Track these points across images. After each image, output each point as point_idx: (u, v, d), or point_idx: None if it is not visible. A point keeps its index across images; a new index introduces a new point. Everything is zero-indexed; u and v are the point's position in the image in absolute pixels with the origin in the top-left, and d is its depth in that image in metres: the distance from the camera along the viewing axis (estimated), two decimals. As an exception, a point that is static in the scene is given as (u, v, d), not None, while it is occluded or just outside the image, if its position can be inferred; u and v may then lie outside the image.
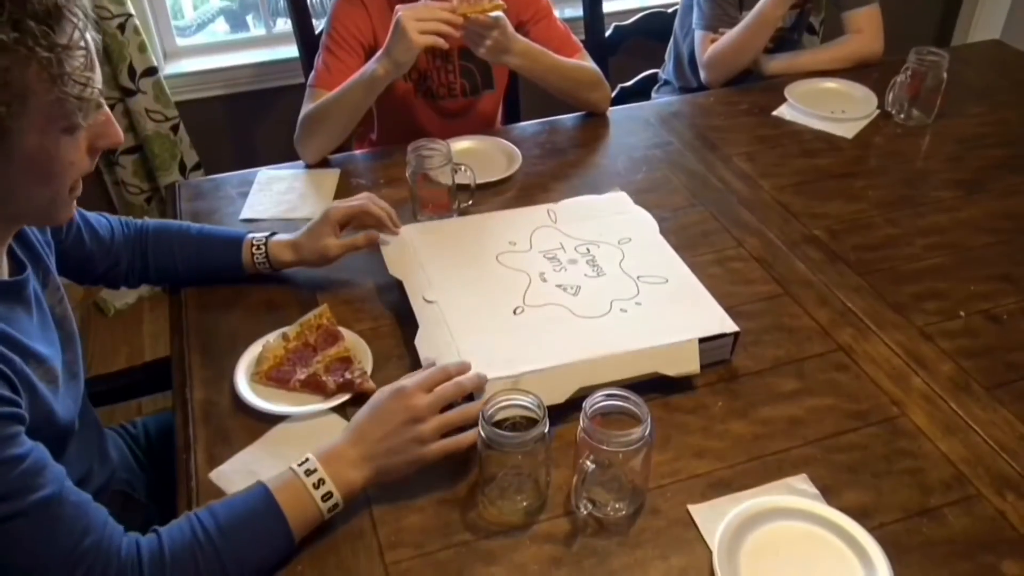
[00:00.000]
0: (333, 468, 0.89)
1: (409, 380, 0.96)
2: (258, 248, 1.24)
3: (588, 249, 1.26)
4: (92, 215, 1.18)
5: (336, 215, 1.23)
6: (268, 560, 0.87)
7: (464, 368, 0.99)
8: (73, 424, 0.96)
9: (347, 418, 1.03)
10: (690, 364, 1.08)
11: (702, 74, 1.95)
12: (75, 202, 0.89)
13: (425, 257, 1.24)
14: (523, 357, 1.04)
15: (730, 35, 1.88)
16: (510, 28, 1.49)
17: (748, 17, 1.84)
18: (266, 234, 1.25)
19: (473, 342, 1.07)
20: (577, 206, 1.38)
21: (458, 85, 1.73)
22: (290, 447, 1.00)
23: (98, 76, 0.80)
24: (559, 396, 1.02)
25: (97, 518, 0.81)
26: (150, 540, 0.82)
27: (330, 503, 0.88)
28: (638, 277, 1.20)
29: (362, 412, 0.95)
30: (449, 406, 0.96)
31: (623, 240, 1.28)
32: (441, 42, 1.42)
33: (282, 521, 0.85)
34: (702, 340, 1.08)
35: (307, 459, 0.89)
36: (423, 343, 1.09)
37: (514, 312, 1.14)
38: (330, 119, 1.54)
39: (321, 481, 0.88)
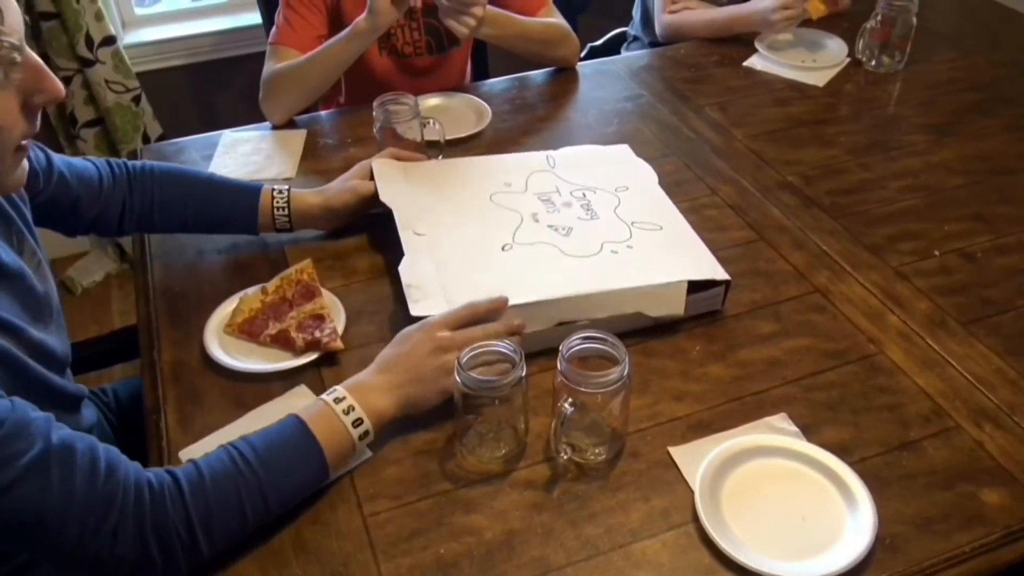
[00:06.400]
0: (361, 396, 0.89)
1: (435, 317, 0.96)
2: (280, 194, 1.18)
3: (584, 194, 1.24)
4: (74, 159, 1.12)
5: (365, 164, 1.24)
6: (304, 488, 0.87)
7: (495, 307, 0.98)
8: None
9: (321, 387, 1.01)
10: (675, 307, 1.07)
11: (657, 30, 1.93)
12: (26, 165, 0.81)
13: (419, 188, 1.22)
14: (506, 292, 1.01)
15: (701, 19, 1.85)
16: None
17: (726, 15, 1.82)
18: (286, 186, 1.20)
19: (454, 276, 1.07)
20: (577, 154, 1.36)
21: (423, 43, 1.70)
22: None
23: (10, 24, 0.71)
24: (539, 326, 1.02)
25: (110, 456, 0.77)
26: (187, 469, 0.80)
27: (361, 429, 0.88)
28: (632, 223, 1.18)
29: (389, 346, 0.95)
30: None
31: (620, 188, 1.26)
32: None
33: (317, 449, 0.85)
34: (693, 291, 1.07)
35: (335, 389, 0.89)
36: (407, 271, 1.08)
37: (502, 248, 1.12)
38: (306, 77, 1.51)
39: (351, 408, 0.87)
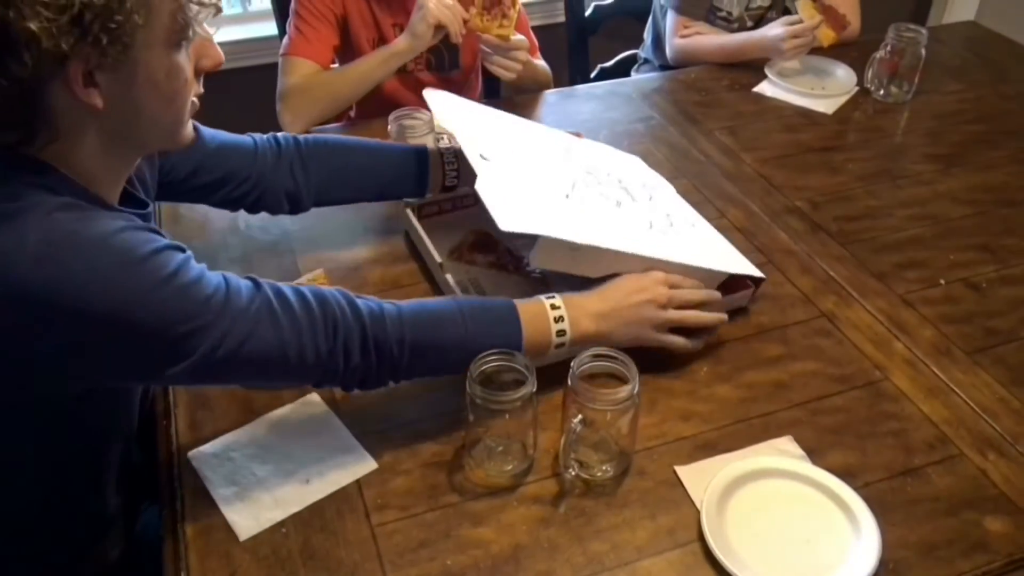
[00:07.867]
0: (574, 312, 0.98)
1: (659, 273, 1.04)
2: (447, 150, 1.25)
3: (619, 180, 1.24)
4: (224, 133, 1.15)
5: None
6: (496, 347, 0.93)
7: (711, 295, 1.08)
8: None
9: (332, 396, 1.02)
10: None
11: (668, 53, 1.96)
12: (191, 123, 0.88)
13: (474, 125, 1.21)
14: (582, 229, 1.03)
15: (712, 44, 1.88)
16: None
17: (737, 41, 1.85)
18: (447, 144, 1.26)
19: (537, 198, 1.07)
20: (599, 146, 1.38)
21: (423, 59, 1.72)
22: (275, 439, 0.97)
23: None
24: (599, 272, 1.05)
25: (315, 290, 0.87)
26: (400, 305, 0.92)
27: (560, 339, 0.97)
28: (667, 215, 1.20)
29: (614, 280, 1.03)
30: None
31: (647, 185, 1.28)
32: (455, 28, 1.48)
33: (517, 323, 0.94)
34: (725, 292, 1.11)
35: (555, 295, 0.99)
36: (486, 188, 1.01)
37: (566, 197, 1.11)
38: (337, 90, 1.56)
39: (561, 318, 0.97)
